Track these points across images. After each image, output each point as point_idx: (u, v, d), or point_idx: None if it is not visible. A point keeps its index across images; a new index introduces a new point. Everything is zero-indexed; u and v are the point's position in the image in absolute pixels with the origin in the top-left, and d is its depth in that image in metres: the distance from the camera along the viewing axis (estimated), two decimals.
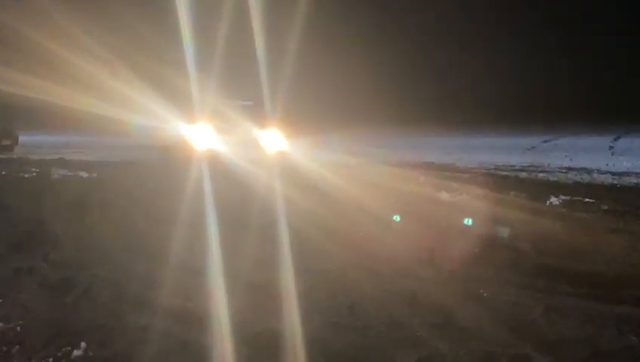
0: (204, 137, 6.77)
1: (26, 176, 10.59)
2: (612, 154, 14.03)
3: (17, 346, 3.13)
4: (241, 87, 8.36)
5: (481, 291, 3.69)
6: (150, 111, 7.52)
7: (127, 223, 5.81)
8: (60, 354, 3.03)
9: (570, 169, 11.37)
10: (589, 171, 10.74)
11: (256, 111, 8.05)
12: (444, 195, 7.16)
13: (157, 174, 8.77)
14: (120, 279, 3.99)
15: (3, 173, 11.01)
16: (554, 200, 7.17)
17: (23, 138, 19.67)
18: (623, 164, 11.64)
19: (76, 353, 3.04)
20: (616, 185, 9.01)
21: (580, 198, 7.25)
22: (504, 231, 5.16)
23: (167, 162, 7.31)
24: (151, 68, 8.10)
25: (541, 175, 10.43)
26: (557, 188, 8.40)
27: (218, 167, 6.81)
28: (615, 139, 17.15)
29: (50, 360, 2.99)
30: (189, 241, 4.77)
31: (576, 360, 2.77)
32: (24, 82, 10.58)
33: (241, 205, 5.97)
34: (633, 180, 9.44)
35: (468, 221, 5.54)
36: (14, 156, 16.19)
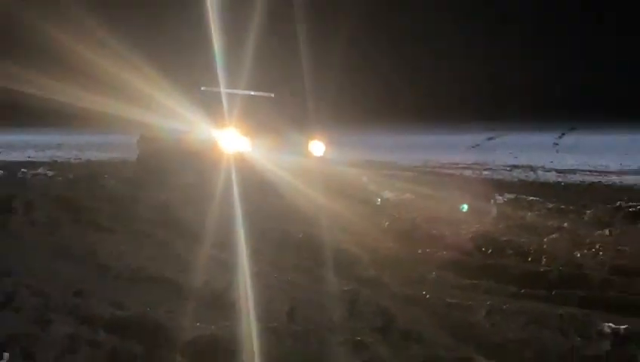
0: (232, 141, 6.98)
1: None
2: (557, 152, 14.55)
3: None
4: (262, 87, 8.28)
5: (424, 293, 3.61)
6: (182, 116, 7.57)
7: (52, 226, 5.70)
8: None
9: (514, 167, 11.64)
10: (534, 169, 11.11)
11: (278, 109, 8.13)
12: (387, 195, 7.17)
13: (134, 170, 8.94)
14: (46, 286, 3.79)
15: None
16: (499, 198, 7.23)
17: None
18: (568, 161, 12.02)
19: None
20: (560, 182, 9.28)
21: (525, 196, 7.35)
22: (446, 231, 5.16)
23: (194, 164, 7.16)
24: (181, 74, 8.12)
25: (485, 173, 10.64)
26: (502, 186, 8.60)
27: (245, 169, 6.79)
28: (560, 137, 17.73)
29: None
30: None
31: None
32: (45, 83, 10.56)
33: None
34: (578, 178, 9.77)
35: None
36: None
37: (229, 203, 5.79)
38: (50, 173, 10.74)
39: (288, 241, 5.08)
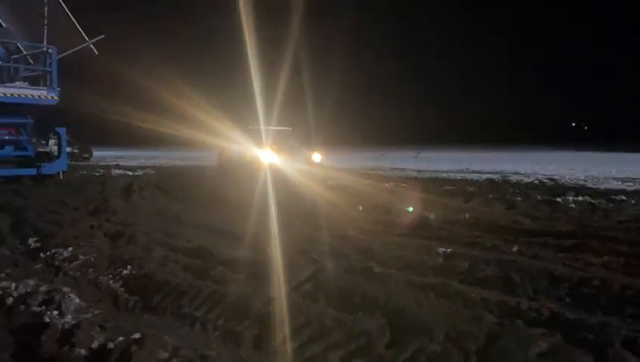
0: (267, 156, 11.45)
1: (96, 174, 16.40)
2: (417, 161, 25.95)
3: (92, 269, 4.98)
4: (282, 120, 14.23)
5: (349, 233, 6.16)
6: (240, 141, 13.09)
7: (154, 200, 9.09)
8: (115, 273, 4.80)
9: (394, 168, 20.22)
10: (403, 170, 19.46)
11: (294, 136, 14.11)
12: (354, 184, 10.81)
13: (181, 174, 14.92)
14: (150, 231, 6.46)
15: (84, 172, 16.80)
16: (387, 185, 12.07)
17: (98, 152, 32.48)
18: (421, 166, 22.03)
19: (125, 272, 4.76)
20: (417, 176, 16.63)
21: (398, 183, 12.88)
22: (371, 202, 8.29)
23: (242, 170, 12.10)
24: (236, 115, 13.96)
25: (380, 172, 17.90)
26: (389, 179, 14.38)
27: (275, 172, 11.26)
28: (418, 153, 31.68)
29: (110, 275, 4.75)
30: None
31: (395, 268, 4.91)
32: (126, 112, 15.29)
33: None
34: (427, 174, 17.25)
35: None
36: (90, 163, 26.11)
37: (266, 189, 9.38)
38: (151, 172, 17.73)
39: (299, 210, 7.78)
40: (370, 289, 3.79)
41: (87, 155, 30.08)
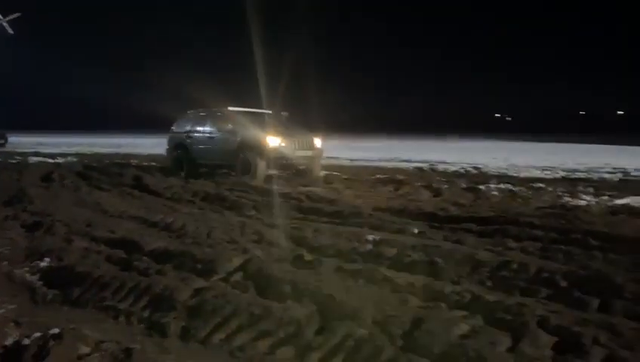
0: (273, 140, 10.91)
1: (12, 161, 15.80)
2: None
3: (6, 262, 4.66)
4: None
5: (279, 221, 6.14)
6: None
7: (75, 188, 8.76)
8: (32, 265, 4.56)
9: (327, 157, 17.42)
10: (337, 158, 18.77)
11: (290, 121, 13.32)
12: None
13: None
14: (71, 221, 6.15)
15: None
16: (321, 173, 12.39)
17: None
18: (355, 155, 21.95)
19: (42, 264, 4.56)
20: (350, 164, 17.59)
21: (331, 172, 13.04)
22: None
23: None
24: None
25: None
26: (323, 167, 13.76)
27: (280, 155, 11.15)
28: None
29: (27, 268, 4.50)
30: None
31: (325, 255, 4.94)
32: None
33: None
34: (360, 163, 18.39)
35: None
36: (6, 149, 25.50)
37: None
38: (74, 160, 18.24)
39: (228, 200, 7.90)
40: (301, 276, 3.80)
41: (2, 141, 28.67)
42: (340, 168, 14.78)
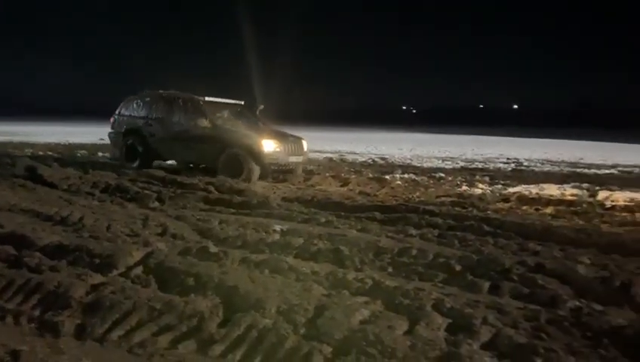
0: (268, 145, 9.97)
1: None
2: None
3: None
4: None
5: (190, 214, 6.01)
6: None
7: None
8: None
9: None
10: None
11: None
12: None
13: None
14: None
15: None
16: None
17: None
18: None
19: None
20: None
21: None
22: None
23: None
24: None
25: None
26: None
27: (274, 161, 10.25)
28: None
29: None
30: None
31: (231, 246, 4.90)
32: None
33: None
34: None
35: None
36: None
37: None
38: None
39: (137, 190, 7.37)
40: (205, 269, 3.74)
41: None
42: None
